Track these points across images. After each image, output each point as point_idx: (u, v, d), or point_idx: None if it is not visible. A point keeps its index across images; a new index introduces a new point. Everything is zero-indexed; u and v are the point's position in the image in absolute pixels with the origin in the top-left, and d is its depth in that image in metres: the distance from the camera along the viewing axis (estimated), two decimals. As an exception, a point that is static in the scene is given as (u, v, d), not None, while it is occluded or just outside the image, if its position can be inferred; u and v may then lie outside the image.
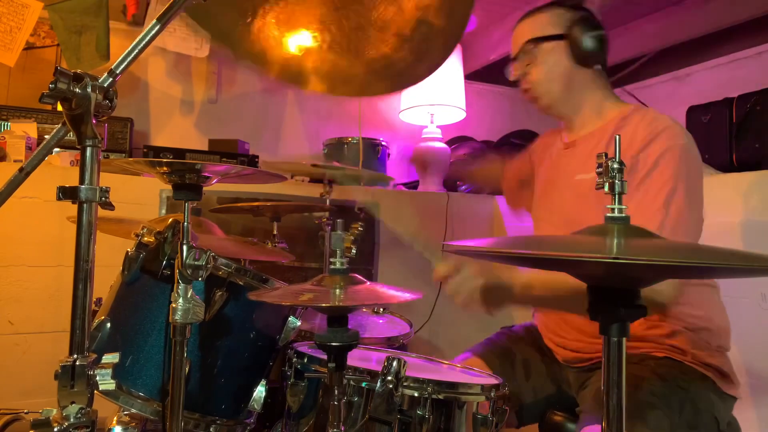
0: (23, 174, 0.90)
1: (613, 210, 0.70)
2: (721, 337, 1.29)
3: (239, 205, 1.94)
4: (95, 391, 0.76)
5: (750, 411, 1.70)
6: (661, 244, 0.68)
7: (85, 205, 0.76)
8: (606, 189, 0.71)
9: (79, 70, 0.74)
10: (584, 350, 1.36)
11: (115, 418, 1.16)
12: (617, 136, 0.73)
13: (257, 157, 2.37)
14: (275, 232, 1.90)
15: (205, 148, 2.50)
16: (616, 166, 0.70)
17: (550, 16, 1.42)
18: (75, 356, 0.74)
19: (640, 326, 1.29)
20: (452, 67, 2.89)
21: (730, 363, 1.29)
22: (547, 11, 1.43)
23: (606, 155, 0.72)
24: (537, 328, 1.54)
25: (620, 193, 0.70)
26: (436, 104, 2.85)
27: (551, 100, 1.44)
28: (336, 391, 0.91)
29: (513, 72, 1.47)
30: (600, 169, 0.72)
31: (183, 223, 0.97)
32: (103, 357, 0.81)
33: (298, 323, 1.28)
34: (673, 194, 1.17)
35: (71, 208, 0.76)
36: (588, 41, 1.35)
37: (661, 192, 1.18)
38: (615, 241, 0.66)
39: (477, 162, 2.13)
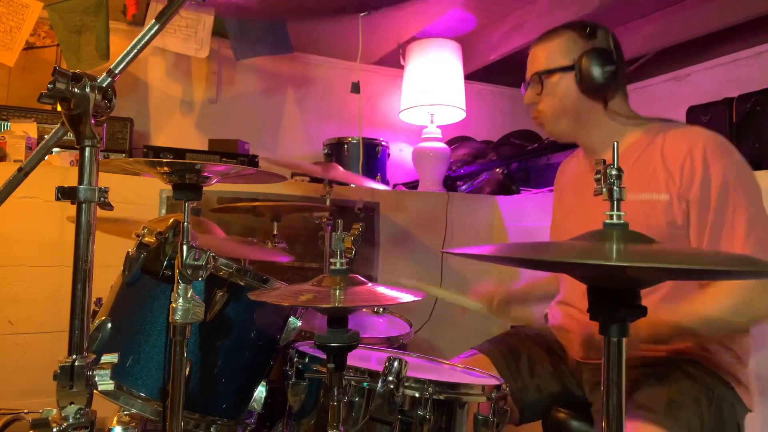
0: (22, 174, 0.90)
1: (611, 216, 0.69)
2: (740, 349, 1.30)
3: (239, 205, 1.94)
4: (96, 391, 0.76)
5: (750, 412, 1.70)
6: (660, 248, 0.68)
7: (84, 205, 0.76)
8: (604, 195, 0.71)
9: (78, 70, 0.74)
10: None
11: (115, 418, 1.16)
12: (615, 143, 0.73)
13: (257, 157, 2.37)
14: (275, 232, 1.90)
15: (205, 148, 2.51)
16: (614, 172, 0.70)
17: (561, 44, 1.36)
18: (74, 356, 0.74)
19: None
20: (452, 67, 2.89)
21: (748, 377, 1.30)
22: (561, 37, 1.37)
23: (604, 162, 0.72)
24: (549, 329, 1.53)
25: (618, 200, 0.69)
26: (436, 104, 2.85)
27: (560, 132, 1.41)
28: (336, 392, 0.91)
29: (525, 98, 1.45)
30: (598, 176, 0.71)
31: (183, 223, 0.97)
32: (102, 357, 0.81)
33: (299, 324, 1.27)
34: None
35: (71, 208, 0.76)
36: (598, 74, 1.28)
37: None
38: (615, 246, 0.66)
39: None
